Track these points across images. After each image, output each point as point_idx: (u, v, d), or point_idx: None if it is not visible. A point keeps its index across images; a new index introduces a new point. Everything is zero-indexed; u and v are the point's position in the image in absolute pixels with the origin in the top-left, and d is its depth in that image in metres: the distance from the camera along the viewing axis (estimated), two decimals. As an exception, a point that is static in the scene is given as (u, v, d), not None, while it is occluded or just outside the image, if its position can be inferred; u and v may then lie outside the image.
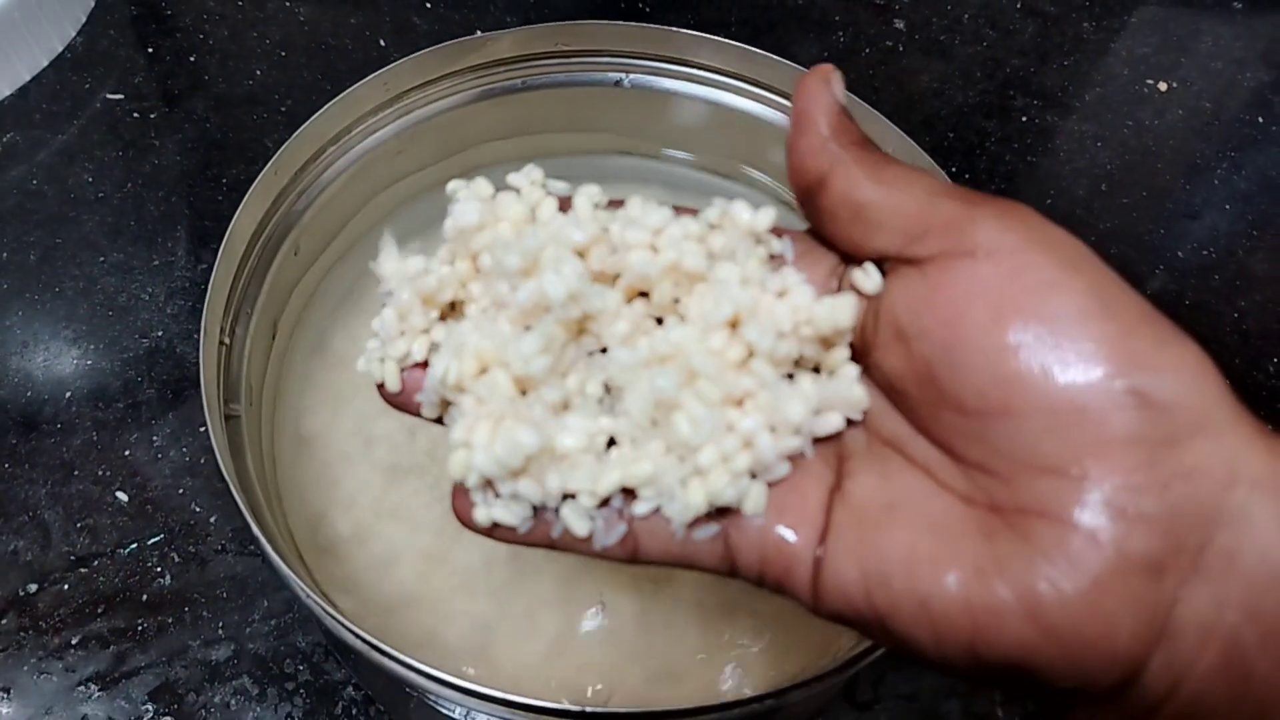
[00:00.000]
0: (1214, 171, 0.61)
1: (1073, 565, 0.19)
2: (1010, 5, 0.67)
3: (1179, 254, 0.57)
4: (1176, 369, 0.19)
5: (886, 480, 0.22)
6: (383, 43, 0.62)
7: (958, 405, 0.21)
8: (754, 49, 0.41)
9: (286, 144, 0.36)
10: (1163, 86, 0.64)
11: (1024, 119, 0.62)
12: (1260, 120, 0.63)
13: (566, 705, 0.28)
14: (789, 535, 0.22)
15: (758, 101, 0.43)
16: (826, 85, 0.24)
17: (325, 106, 0.37)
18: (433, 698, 0.35)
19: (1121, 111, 0.63)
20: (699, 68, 0.42)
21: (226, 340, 0.34)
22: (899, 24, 0.66)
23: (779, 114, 0.42)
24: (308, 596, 0.29)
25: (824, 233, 0.24)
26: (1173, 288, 0.56)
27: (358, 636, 0.28)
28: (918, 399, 0.22)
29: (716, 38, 0.41)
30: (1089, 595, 0.19)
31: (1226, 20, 0.67)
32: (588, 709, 0.27)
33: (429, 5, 0.64)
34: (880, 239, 0.23)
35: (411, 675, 0.29)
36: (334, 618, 0.28)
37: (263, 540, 0.29)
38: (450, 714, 0.35)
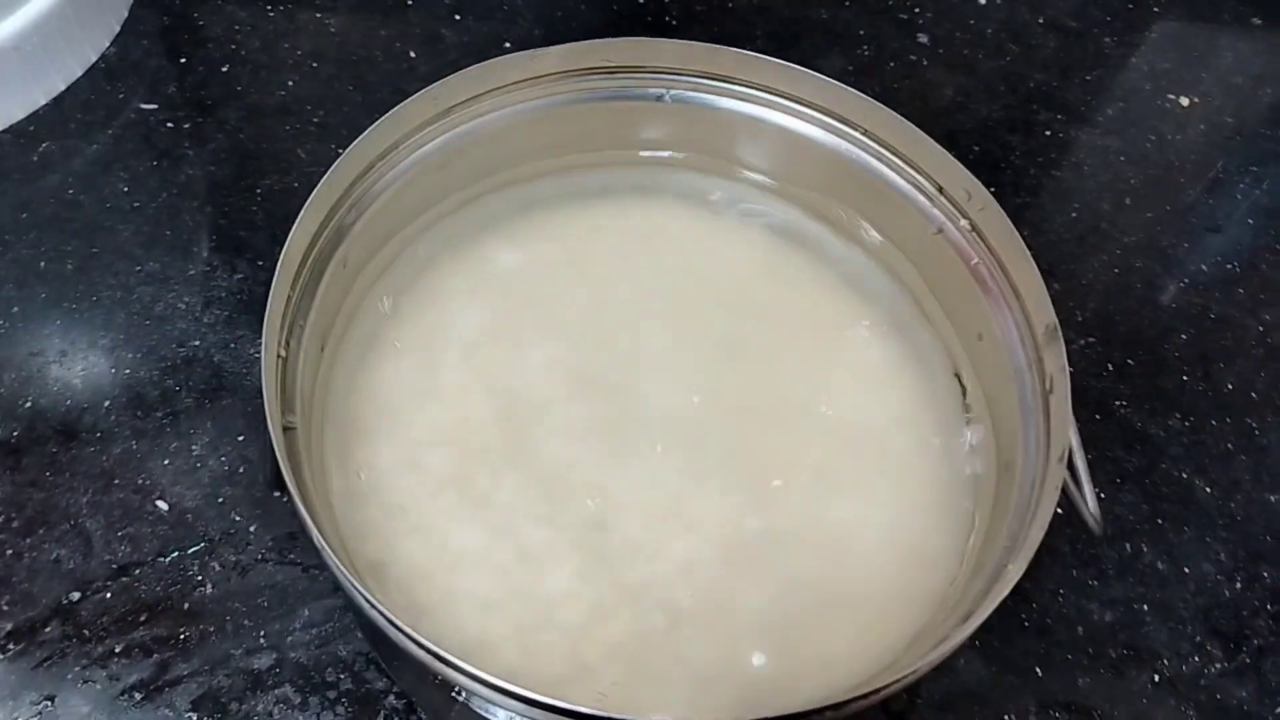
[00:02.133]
0: (1236, 185, 0.61)
1: None
2: (1032, 20, 0.68)
3: (1203, 267, 0.58)
4: None
5: None
6: (412, 54, 0.62)
7: None
8: (797, 66, 0.41)
9: (340, 159, 0.37)
10: (1184, 101, 0.64)
11: (1047, 133, 0.62)
12: (1281, 135, 0.64)
13: (614, 714, 0.28)
14: None
15: (796, 118, 0.43)
16: None
17: (376, 122, 0.38)
18: (479, 702, 0.35)
19: (1144, 126, 0.63)
20: (741, 84, 0.42)
21: (283, 353, 0.35)
22: (922, 38, 0.66)
23: (817, 129, 0.43)
24: (371, 606, 0.29)
25: None
26: (1197, 301, 0.56)
27: (418, 644, 0.29)
28: None
29: (760, 55, 0.41)
30: None
31: (1245, 35, 0.68)
32: (641, 718, 0.27)
33: (458, 17, 0.64)
34: None
35: (468, 681, 0.29)
36: (395, 624, 0.29)
37: (326, 549, 0.29)
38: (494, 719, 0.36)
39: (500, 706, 0.31)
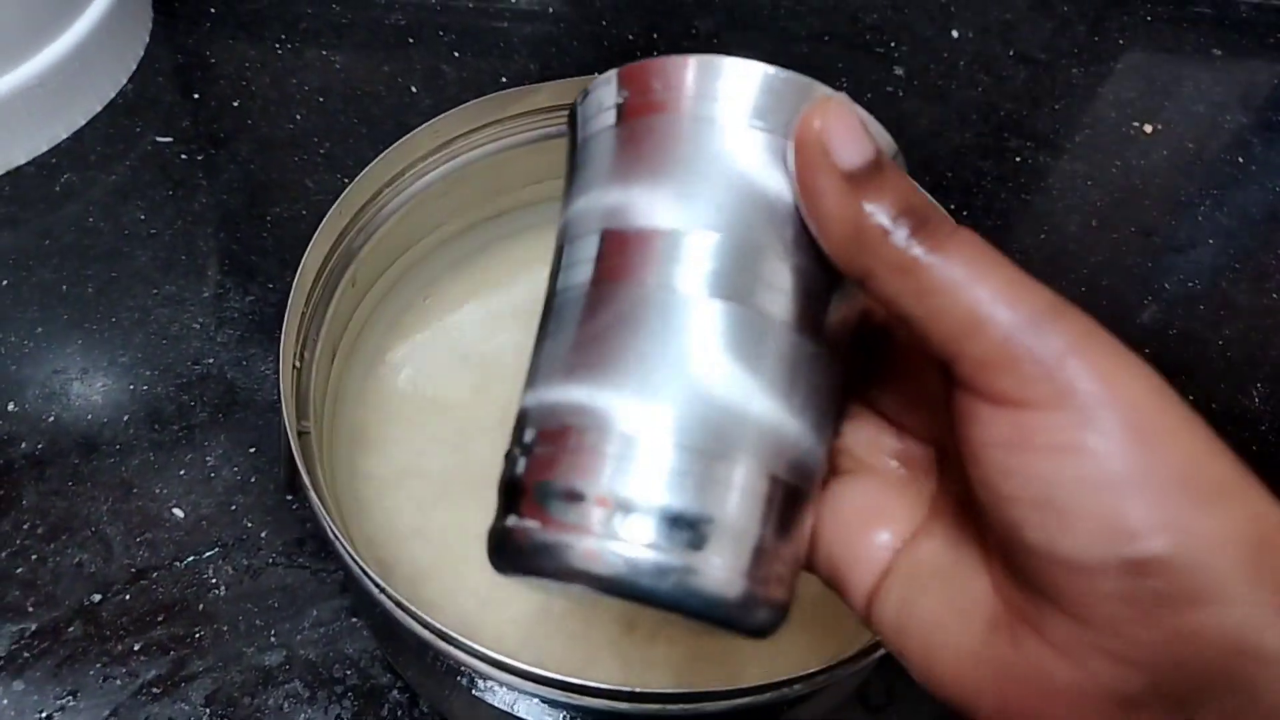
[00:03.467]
0: (1198, 208, 0.64)
1: (1044, 674, 0.20)
2: (1003, 52, 0.71)
3: (1166, 286, 0.61)
4: (1191, 535, 0.19)
5: (948, 547, 0.23)
6: (414, 89, 0.66)
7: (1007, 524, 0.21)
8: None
9: (350, 186, 0.40)
10: (1148, 129, 0.68)
11: (1018, 159, 0.66)
12: (1240, 160, 0.67)
13: (615, 686, 0.31)
14: (857, 571, 0.24)
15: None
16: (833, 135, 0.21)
17: (384, 153, 0.41)
18: (481, 687, 0.37)
19: (1110, 152, 0.66)
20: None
21: (298, 364, 0.37)
22: (899, 70, 0.70)
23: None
24: (381, 593, 0.32)
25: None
26: (1161, 318, 0.59)
27: (425, 625, 0.31)
28: (982, 500, 0.21)
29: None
30: (1050, 699, 0.20)
31: (1206, 66, 0.72)
32: (636, 689, 0.30)
33: (457, 54, 0.68)
34: (947, 358, 0.21)
35: (470, 659, 0.32)
36: (402, 605, 0.31)
37: (341, 543, 0.32)
38: (494, 704, 0.38)
39: (500, 683, 0.34)
